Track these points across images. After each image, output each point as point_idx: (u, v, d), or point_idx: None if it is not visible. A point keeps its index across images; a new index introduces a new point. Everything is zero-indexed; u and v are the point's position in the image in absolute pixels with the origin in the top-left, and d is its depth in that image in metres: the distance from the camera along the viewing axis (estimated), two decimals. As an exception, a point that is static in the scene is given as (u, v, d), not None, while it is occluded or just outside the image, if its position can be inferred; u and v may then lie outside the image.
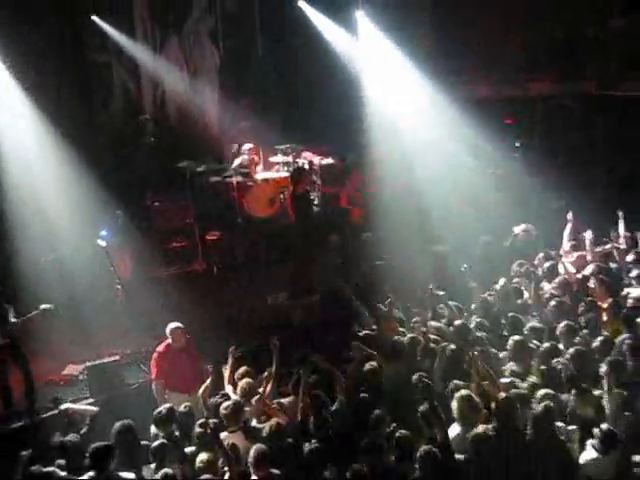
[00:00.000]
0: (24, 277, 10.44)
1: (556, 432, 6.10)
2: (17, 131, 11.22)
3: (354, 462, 6.03)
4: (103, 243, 10.40)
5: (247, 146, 13.48)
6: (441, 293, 9.39)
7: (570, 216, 10.77)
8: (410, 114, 13.70)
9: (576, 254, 10.08)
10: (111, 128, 14.41)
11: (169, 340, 8.55)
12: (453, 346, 7.46)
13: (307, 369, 7.23)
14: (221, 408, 6.83)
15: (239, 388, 7.42)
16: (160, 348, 8.58)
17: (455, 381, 6.89)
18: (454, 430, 6.39)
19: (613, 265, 9.80)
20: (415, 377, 7.04)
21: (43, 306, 8.96)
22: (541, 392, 6.51)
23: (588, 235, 10.13)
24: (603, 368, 6.79)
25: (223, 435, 6.57)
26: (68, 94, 13.42)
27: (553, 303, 8.43)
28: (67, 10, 13.41)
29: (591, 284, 9.05)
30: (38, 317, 8.93)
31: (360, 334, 8.79)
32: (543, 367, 7.16)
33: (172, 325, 8.58)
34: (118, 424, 6.64)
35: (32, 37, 12.46)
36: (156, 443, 6.56)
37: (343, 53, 14.67)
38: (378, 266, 11.97)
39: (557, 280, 9.18)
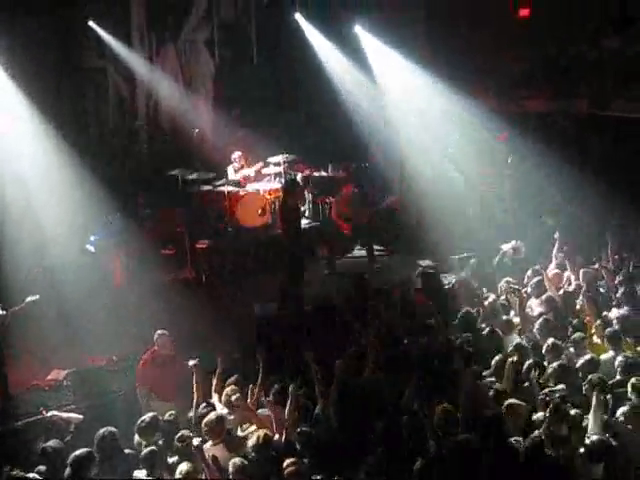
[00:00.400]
0: (13, 285, 10.45)
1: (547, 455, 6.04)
2: (14, 133, 11.27)
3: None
4: (92, 249, 10.38)
5: (236, 154, 13.54)
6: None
7: (557, 235, 10.80)
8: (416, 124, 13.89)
9: (554, 271, 10.11)
10: (104, 135, 14.40)
11: (155, 347, 8.54)
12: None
13: (295, 383, 7.20)
14: (203, 423, 6.80)
15: (224, 395, 7.40)
16: (146, 355, 8.58)
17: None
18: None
19: (601, 284, 9.81)
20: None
21: (29, 298, 8.94)
22: (506, 402, 6.54)
23: (565, 254, 10.23)
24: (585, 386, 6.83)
25: (206, 446, 6.54)
26: (66, 99, 13.45)
27: (540, 321, 8.44)
28: (65, 14, 13.42)
29: (578, 303, 9.08)
30: (24, 310, 8.90)
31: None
32: (527, 384, 7.17)
33: (159, 332, 8.58)
34: (101, 431, 6.60)
35: (32, 40, 12.48)
36: (146, 450, 6.49)
37: (339, 67, 14.82)
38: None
39: (543, 297, 9.19)
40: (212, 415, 6.86)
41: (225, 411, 7.18)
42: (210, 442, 6.66)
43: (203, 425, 6.75)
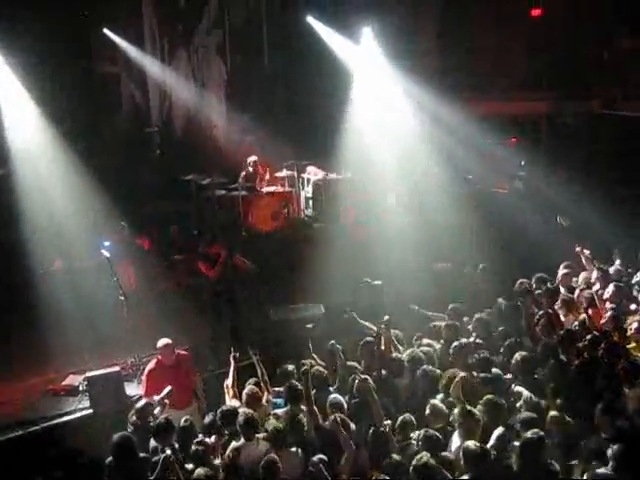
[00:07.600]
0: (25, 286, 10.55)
1: (547, 462, 5.91)
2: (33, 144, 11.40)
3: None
4: (107, 253, 10.43)
5: (252, 158, 13.54)
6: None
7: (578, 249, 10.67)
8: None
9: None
10: (117, 139, 14.49)
11: (159, 356, 8.42)
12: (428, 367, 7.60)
13: (307, 379, 7.22)
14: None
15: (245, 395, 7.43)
16: (150, 365, 8.46)
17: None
18: (455, 442, 6.41)
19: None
20: None
21: None
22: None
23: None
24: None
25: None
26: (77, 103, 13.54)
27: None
28: (79, 21, 13.53)
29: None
30: None
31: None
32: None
33: (162, 342, 8.40)
34: (116, 436, 6.65)
35: (47, 47, 12.59)
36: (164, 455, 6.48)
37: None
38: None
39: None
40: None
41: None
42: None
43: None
